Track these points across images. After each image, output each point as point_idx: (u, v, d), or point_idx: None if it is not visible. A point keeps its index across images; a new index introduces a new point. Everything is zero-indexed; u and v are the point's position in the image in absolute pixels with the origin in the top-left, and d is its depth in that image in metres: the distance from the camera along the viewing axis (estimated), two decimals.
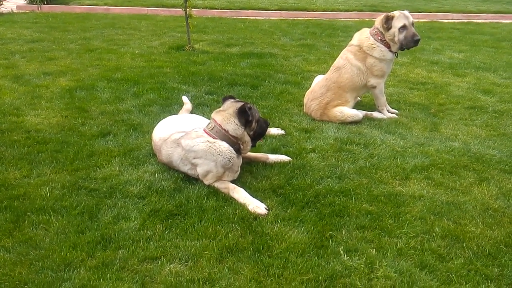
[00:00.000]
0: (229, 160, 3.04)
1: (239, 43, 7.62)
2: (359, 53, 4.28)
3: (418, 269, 2.32)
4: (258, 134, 3.25)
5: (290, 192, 3.03)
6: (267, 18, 10.91)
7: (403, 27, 4.10)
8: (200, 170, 3.06)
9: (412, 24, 4.16)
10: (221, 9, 11.59)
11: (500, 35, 9.04)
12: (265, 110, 4.56)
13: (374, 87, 4.34)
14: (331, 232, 2.62)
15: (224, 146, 3.04)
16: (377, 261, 2.38)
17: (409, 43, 4.13)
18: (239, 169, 3.19)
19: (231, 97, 3.30)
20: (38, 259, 2.32)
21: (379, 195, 3.03)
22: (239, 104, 3.09)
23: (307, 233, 2.60)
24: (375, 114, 4.50)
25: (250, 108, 3.11)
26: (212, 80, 5.41)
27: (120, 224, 2.62)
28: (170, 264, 2.31)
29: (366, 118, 4.41)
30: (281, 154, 3.55)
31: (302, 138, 3.90)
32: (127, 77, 5.41)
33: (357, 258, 2.41)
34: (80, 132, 3.87)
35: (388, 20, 4.13)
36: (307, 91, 4.57)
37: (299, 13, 11.39)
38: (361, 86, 4.37)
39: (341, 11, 11.67)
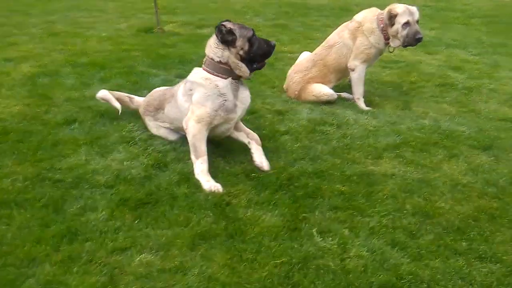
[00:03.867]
0: (221, 96, 2.98)
1: (210, 24, 7.42)
2: (355, 31, 4.13)
3: (389, 247, 2.34)
4: (255, 55, 3.02)
5: (263, 176, 2.99)
6: None
7: (407, 24, 3.93)
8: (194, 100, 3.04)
9: (417, 21, 3.99)
10: None
11: (470, 12, 9.17)
12: None
13: (353, 69, 4.20)
14: (304, 214, 2.60)
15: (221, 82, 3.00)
16: (350, 241, 2.38)
17: (411, 41, 3.97)
18: (236, 116, 3.09)
19: (227, 21, 3.05)
20: None
21: (352, 175, 3.03)
22: None
23: (280, 216, 2.58)
24: (345, 94, 4.47)
25: (228, 29, 2.93)
26: (183, 63, 5.28)
27: (87, 215, 2.53)
28: (140, 255, 2.25)
29: (339, 98, 4.40)
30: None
31: (275, 120, 3.86)
32: (93, 62, 5.21)
33: (330, 239, 2.41)
34: (43, 120, 3.70)
35: (391, 18, 3.96)
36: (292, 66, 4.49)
37: None
38: (345, 68, 4.27)
39: None
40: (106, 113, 3.81)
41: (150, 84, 4.42)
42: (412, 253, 2.30)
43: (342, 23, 4.41)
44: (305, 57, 4.48)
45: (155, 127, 3.50)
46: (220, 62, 3.00)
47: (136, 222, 2.50)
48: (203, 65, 3.10)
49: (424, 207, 2.67)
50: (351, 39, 4.17)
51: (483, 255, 2.28)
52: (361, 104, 4.27)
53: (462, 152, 3.35)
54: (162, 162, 3.11)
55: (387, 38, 4.08)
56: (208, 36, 3.15)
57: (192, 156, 3.00)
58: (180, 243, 2.33)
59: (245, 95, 3.17)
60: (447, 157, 3.28)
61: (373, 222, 2.54)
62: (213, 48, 3.02)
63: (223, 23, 2.98)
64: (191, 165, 2.99)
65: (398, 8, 3.96)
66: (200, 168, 2.94)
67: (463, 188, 2.88)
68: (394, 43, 4.10)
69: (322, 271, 2.17)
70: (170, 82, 4.61)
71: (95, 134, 3.49)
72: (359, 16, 4.21)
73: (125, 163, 3.09)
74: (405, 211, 2.64)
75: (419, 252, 2.30)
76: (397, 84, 4.86)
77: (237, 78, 3.06)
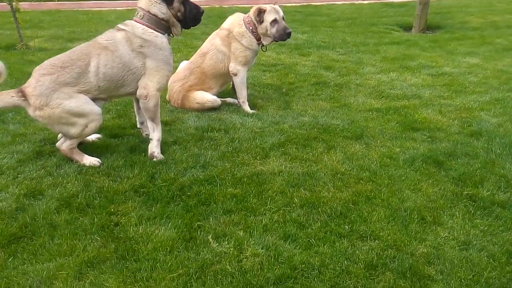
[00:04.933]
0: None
1: (82, 36, 6.99)
2: (227, 38, 4.24)
3: (282, 241, 2.44)
4: (188, 19, 3.31)
5: (153, 189, 2.90)
6: (112, 8, 10.27)
7: (274, 21, 4.14)
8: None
9: (283, 18, 4.21)
10: (58, 1, 10.51)
11: (335, 15, 10.05)
12: (119, 107, 4.29)
13: (236, 74, 4.30)
14: (199, 223, 2.58)
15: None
16: (245, 242, 2.43)
17: (282, 36, 4.18)
18: None
19: None
20: None
21: (242, 177, 3.09)
22: None
23: (174, 229, 2.52)
24: (229, 99, 4.57)
25: None
26: None
27: None
28: None
29: (224, 104, 4.47)
30: (140, 150, 3.38)
31: (162, 131, 3.76)
32: None
33: (226, 242, 2.42)
34: None
35: (260, 14, 4.14)
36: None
37: None
38: (225, 74, 4.35)
39: None
40: None
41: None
42: (303, 243, 2.43)
43: None
44: (183, 66, 4.48)
45: (67, 98, 3.00)
46: (162, 19, 3.19)
47: (10, 259, 2.23)
48: (138, 19, 3.19)
49: (310, 198, 2.84)
50: (225, 46, 4.28)
51: (364, 235, 2.51)
52: (246, 107, 4.39)
53: (339, 143, 3.65)
54: (37, 190, 2.82)
55: (258, 39, 4.27)
56: None
57: (151, 126, 3.34)
58: (65, 275, 2.13)
59: None
60: (326, 149, 3.54)
61: (266, 220, 2.62)
62: (154, 3, 3.16)
63: None
64: (71, 188, 2.76)
65: (264, 6, 4.22)
66: (159, 134, 3.34)
67: (342, 176, 3.14)
68: (265, 41, 4.31)
69: (220, 276, 2.18)
70: None
71: None
72: (226, 24, 4.36)
73: None
74: (293, 205, 2.77)
75: (309, 241, 2.44)
76: (277, 86, 5.11)
77: (169, 35, 3.34)
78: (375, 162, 3.33)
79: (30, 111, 3.00)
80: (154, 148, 3.32)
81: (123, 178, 3.03)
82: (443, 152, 3.47)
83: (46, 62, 3.10)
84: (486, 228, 2.59)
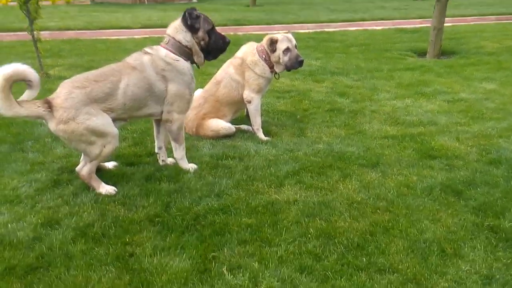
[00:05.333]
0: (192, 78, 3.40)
1: (101, 65, 7.05)
2: (241, 67, 4.32)
3: (298, 273, 2.39)
4: (212, 48, 3.36)
5: (168, 219, 2.89)
6: (130, 37, 10.56)
7: (287, 50, 4.20)
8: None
9: (295, 46, 4.28)
10: (78, 30, 10.90)
11: (348, 42, 10.13)
12: (135, 135, 4.34)
13: (250, 101, 4.36)
14: (213, 253, 2.56)
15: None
16: (260, 274, 2.39)
17: (294, 64, 4.24)
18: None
19: (194, 9, 3.36)
20: None
21: (257, 206, 3.07)
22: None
23: (189, 260, 2.50)
24: (244, 126, 4.60)
25: (196, 15, 3.24)
26: None
27: None
28: None
29: (239, 131, 4.50)
30: (155, 179, 3.40)
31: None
32: None
33: (241, 275, 2.39)
34: None
35: (272, 43, 4.22)
36: None
37: (164, 30, 11.25)
38: (238, 101, 4.41)
39: None
40: None
41: (35, 134, 4.07)
42: (319, 275, 2.37)
43: None
44: (197, 95, 4.53)
45: (94, 114, 3.03)
46: (186, 46, 3.30)
47: None
48: (163, 44, 3.33)
49: (326, 229, 2.80)
50: (239, 74, 4.35)
51: (382, 268, 2.44)
52: (260, 134, 4.41)
53: (354, 171, 3.61)
54: (54, 219, 2.84)
55: (271, 67, 4.33)
56: None
57: (174, 146, 3.56)
58: None
59: None
60: (341, 177, 3.51)
61: (281, 251, 2.58)
62: (179, 30, 3.28)
63: (193, 9, 3.27)
64: (87, 217, 2.78)
65: (277, 35, 4.30)
66: (182, 153, 3.57)
67: (358, 205, 3.09)
68: (278, 68, 4.36)
69: None
70: None
71: None
72: (240, 52, 4.45)
73: (9, 225, 2.77)
74: (309, 235, 2.73)
75: (325, 274, 2.38)
76: (291, 112, 5.13)
77: (192, 63, 3.42)
78: (392, 191, 3.28)
79: (52, 125, 2.97)
80: (183, 165, 3.59)
81: (138, 207, 3.04)
82: (462, 181, 3.40)
83: (78, 76, 3.18)
84: (509, 262, 2.50)
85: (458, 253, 2.57)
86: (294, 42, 4.28)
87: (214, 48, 3.38)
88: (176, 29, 3.31)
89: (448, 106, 5.33)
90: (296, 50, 4.28)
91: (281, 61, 4.25)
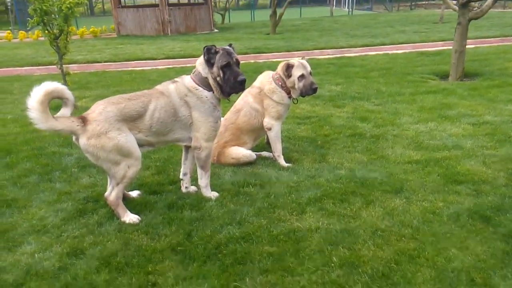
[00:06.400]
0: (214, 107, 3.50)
1: None
2: (259, 95, 4.40)
3: None
4: (225, 85, 3.39)
5: (190, 248, 2.90)
6: (154, 67, 10.88)
7: (302, 76, 4.26)
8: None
9: (310, 73, 4.32)
10: (104, 62, 11.30)
11: (369, 66, 10.13)
12: (158, 163, 4.42)
13: (270, 129, 4.41)
14: (235, 283, 2.54)
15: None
16: None
17: (308, 91, 4.28)
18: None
19: (229, 45, 3.53)
20: None
21: (279, 234, 3.05)
22: None
23: None
24: (265, 153, 4.62)
25: (215, 51, 3.36)
26: None
27: None
28: None
29: (260, 158, 4.52)
30: (178, 207, 3.44)
31: (198, 187, 3.83)
32: None
33: None
34: None
35: (288, 69, 4.29)
36: None
37: (187, 60, 11.58)
38: (258, 128, 4.47)
39: None
40: (14, 202, 3.53)
41: (63, 165, 4.20)
42: None
43: None
44: None
45: (124, 132, 3.15)
46: (205, 78, 3.43)
47: None
48: (191, 74, 3.51)
49: (350, 258, 2.74)
50: (257, 103, 4.41)
51: None
52: (281, 161, 4.42)
53: (377, 197, 3.55)
54: (79, 249, 2.89)
55: (288, 93, 4.38)
56: None
57: (200, 173, 3.66)
58: None
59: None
60: (364, 204, 3.46)
61: (303, 281, 2.54)
62: (202, 63, 3.45)
63: (213, 45, 3.41)
64: (111, 246, 2.81)
65: (292, 61, 4.35)
66: (207, 181, 3.70)
67: (382, 233, 3.03)
68: (294, 94, 4.41)
69: None
70: (85, 160, 4.43)
71: (1, 226, 3.18)
72: (257, 82, 4.52)
73: (36, 255, 2.83)
74: (332, 265, 2.68)
75: None
76: (312, 138, 5.13)
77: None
78: (417, 218, 3.20)
79: (83, 139, 3.06)
80: (206, 193, 3.68)
81: (161, 236, 3.06)
82: (490, 207, 3.29)
83: (112, 96, 3.36)
84: None
85: (488, 283, 2.47)
86: (309, 68, 4.32)
87: (227, 85, 3.39)
88: (200, 61, 3.48)
89: (473, 129, 5.23)
90: (311, 76, 4.32)
91: (296, 87, 4.30)
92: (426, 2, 36.57)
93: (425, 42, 13.83)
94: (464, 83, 7.89)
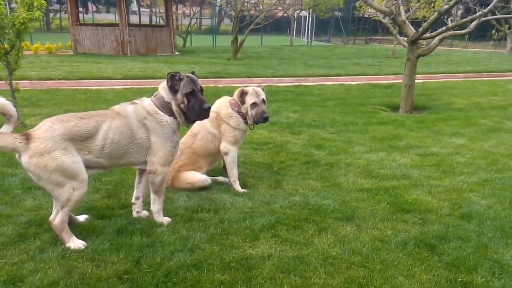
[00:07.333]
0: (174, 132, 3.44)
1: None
2: (216, 120, 4.39)
3: None
4: (189, 113, 3.37)
5: (138, 275, 2.79)
6: (111, 87, 10.64)
7: (254, 104, 4.29)
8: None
9: (264, 101, 4.36)
10: (58, 79, 10.92)
11: (325, 95, 10.46)
12: (109, 186, 4.27)
13: (226, 153, 4.40)
14: None
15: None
16: None
17: (259, 119, 4.31)
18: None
19: (192, 73, 3.50)
20: None
21: (231, 261, 3.01)
22: None
23: None
24: (220, 178, 4.60)
25: (179, 78, 3.32)
26: None
27: None
28: None
29: (215, 183, 4.48)
30: (127, 232, 3.31)
31: (150, 212, 3.72)
32: None
33: None
34: None
35: (242, 95, 4.33)
36: None
37: (145, 81, 11.45)
38: (215, 153, 4.45)
39: None
40: None
41: (5, 186, 3.96)
42: None
43: None
44: None
45: (70, 152, 2.99)
46: (168, 102, 3.38)
47: None
48: (152, 97, 3.42)
49: (301, 286, 2.75)
50: (214, 127, 4.41)
51: None
52: (237, 186, 4.41)
53: (330, 225, 3.61)
54: (17, 276, 2.71)
55: (245, 118, 4.41)
56: None
57: (153, 198, 3.58)
58: None
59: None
60: (317, 231, 3.50)
61: None
62: (165, 88, 3.38)
63: (177, 72, 3.36)
64: (52, 274, 2.65)
65: (247, 89, 4.40)
66: (160, 206, 3.60)
67: (333, 260, 3.06)
68: (249, 120, 4.43)
69: None
70: (32, 181, 4.21)
71: None
72: (214, 107, 4.50)
73: None
74: None
75: None
76: (268, 164, 5.17)
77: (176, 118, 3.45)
78: (366, 246, 3.27)
79: (25, 157, 2.89)
80: (158, 219, 3.60)
81: (108, 263, 2.93)
82: (435, 235, 3.43)
83: (62, 114, 3.17)
84: None
85: None
86: (262, 96, 4.37)
87: (191, 113, 3.38)
88: (163, 86, 3.41)
89: (420, 160, 5.49)
90: (263, 105, 4.36)
91: (248, 114, 4.35)
92: (380, 37, 38.64)
93: (378, 75, 14.53)
94: (413, 116, 8.33)
